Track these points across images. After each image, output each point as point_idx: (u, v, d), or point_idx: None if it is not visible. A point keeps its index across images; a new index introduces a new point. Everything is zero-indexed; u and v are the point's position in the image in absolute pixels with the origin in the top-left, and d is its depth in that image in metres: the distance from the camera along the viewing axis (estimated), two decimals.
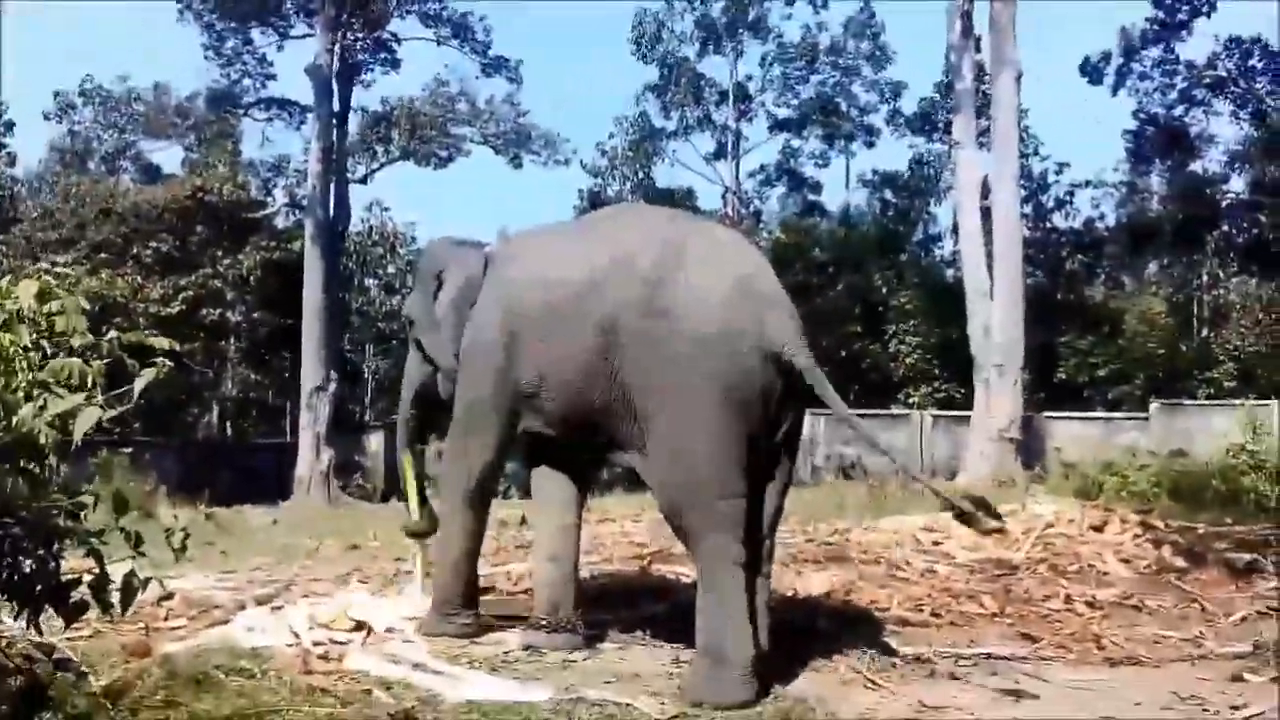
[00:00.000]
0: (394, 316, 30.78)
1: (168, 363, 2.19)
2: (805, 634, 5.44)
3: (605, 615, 6.14)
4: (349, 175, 24.26)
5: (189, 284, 23.82)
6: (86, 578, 2.21)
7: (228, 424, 27.49)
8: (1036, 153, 29.38)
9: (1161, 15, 26.40)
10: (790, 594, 6.56)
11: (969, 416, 17.91)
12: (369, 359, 32.21)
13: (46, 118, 29.35)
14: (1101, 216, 30.05)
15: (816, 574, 7.17)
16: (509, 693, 4.50)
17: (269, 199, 27.62)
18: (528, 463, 5.88)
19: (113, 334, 2.50)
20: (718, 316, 4.70)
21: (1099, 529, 8.04)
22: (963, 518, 4.97)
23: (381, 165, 25.34)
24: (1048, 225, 29.05)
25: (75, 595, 2.21)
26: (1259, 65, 26.47)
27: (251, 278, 24.55)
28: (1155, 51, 27.22)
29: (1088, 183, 29.56)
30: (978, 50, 20.11)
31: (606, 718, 4.20)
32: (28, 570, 2.09)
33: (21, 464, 2.00)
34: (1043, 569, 7.16)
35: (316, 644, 5.39)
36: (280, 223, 27.07)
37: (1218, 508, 8.90)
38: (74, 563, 2.47)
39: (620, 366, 4.92)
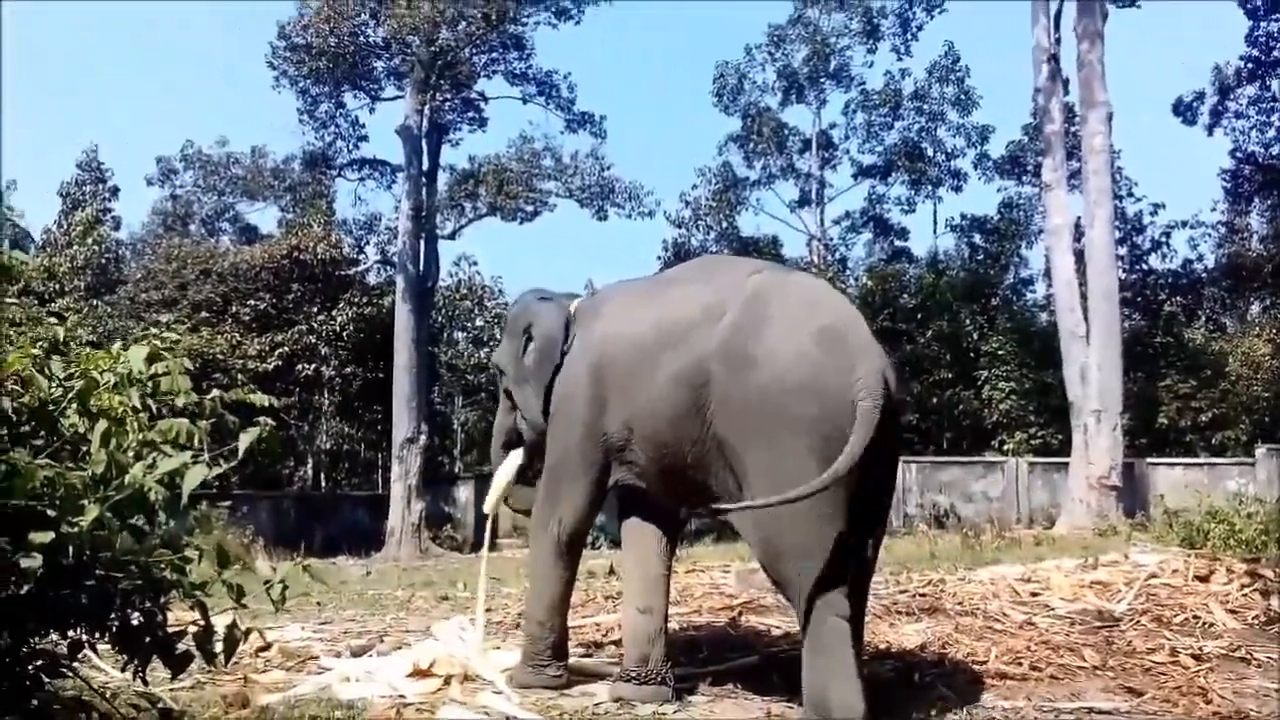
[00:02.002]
0: (482, 369, 31.23)
1: (269, 422, 2.26)
2: (900, 687, 5.32)
3: (694, 668, 6.10)
4: (438, 232, 24.77)
5: (284, 340, 24.48)
6: (191, 629, 2.27)
7: (322, 476, 28.04)
8: (1130, 194, 28.82)
9: (1256, 53, 25.88)
10: (885, 646, 6.44)
11: (1067, 463, 17.52)
12: (458, 411, 32.64)
13: (149, 182, 30.68)
14: (1200, 258, 29.36)
15: (910, 625, 7.04)
16: None
17: (361, 256, 28.30)
18: (619, 514, 5.90)
19: (215, 392, 2.58)
20: (808, 365, 4.67)
21: (1204, 579, 7.75)
22: None
23: (469, 221, 25.80)
24: (1144, 267, 28.42)
25: (180, 646, 2.28)
26: None
27: (344, 333, 25.11)
28: (1251, 89, 26.63)
29: (1184, 223, 28.91)
30: (1066, 92, 19.88)
31: None
32: (135, 622, 2.16)
33: (131, 520, 2.08)
34: (1146, 620, 6.92)
35: (409, 695, 5.44)
36: (372, 279, 27.71)
37: None
38: (178, 614, 2.54)
39: (711, 418, 4.92)
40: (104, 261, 28.90)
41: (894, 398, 4.67)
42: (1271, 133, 27.15)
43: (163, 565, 2.14)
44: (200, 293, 24.88)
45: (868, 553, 4.84)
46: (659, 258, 30.15)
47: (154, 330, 2.44)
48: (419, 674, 5.74)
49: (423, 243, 23.80)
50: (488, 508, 6.37)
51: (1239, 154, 27.76)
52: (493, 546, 6.91)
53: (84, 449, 2.19)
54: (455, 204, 25.65)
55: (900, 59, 31.32)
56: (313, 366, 24.76)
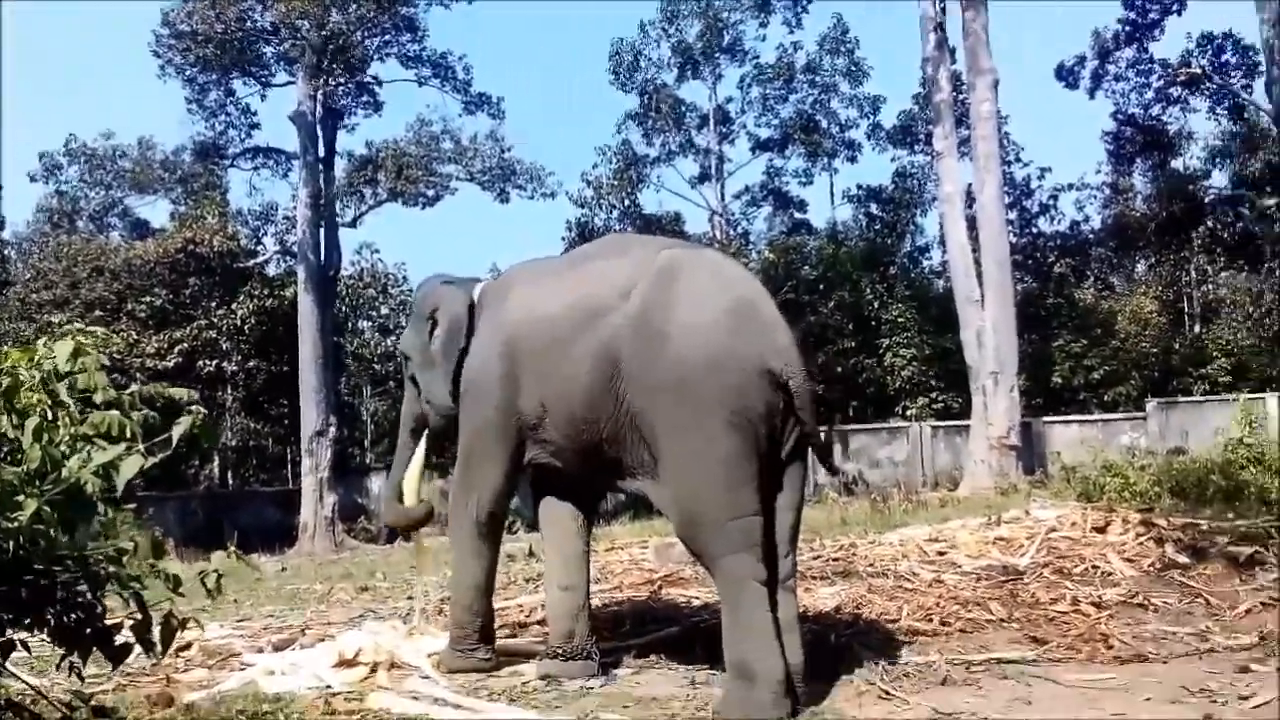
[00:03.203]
0: (389, 358, 30.91)
1: (202, 410, 2.29)
2: (818, 648, 5.50)
3: (619, 641, 6.21)
4: (338, 219, 24.39)
5: (184, 336, 23.93)
6: (128, 621, 2.30)
7: (229, 473, 27.52)
8: (1018, 159, 29.69)
9: (1133, 16, 26.69)
10: (801, 610, 6.62)
11: (968, 426, 18.04)
12: (366, 401, 32.27)
13: (33, 179, 29.53)
14: (1086, 219, 30.37)
15: (825, 589, 7.25)
16: None
17: (260, 247, 27.72)
18: (534, 494, 5.96)
19: (134, 387, 2.59)
20: (718, 339, 4.79)
21: (1102, 530, 8.10)
22: None
23: (370, 208, 25.43)
24: (1034, 231, 29.31)
25: (119, 639, 2.30)
26: (1233, 60, 26.74)
27: (246, 327, 24.64)
28: (1129, 52, 27.48)
29: (1070, 186, 29.87)
30: (953, 60, 20.37)
31: None
32: (74, 616, 2.18)
33: (68, 514, 2.10)
34: (1048, 572, 7.22)
35: (336, 685, 5.46)
36: (272, 270, 27.17)
37: (1219, 503, 8.96)
38: (110, 607, 2.55)
39: (624, 394, 5.01)
40: None
41: (798, 380, 4.83)
42: (1150, 94, 28.10)
43: (100, 558, 2.16)
44: (93, 291, 24.16)
45: (792, 518, 4.97)
46: (563, 238, 30.14)
47: (77, 325, 2.45)
48: (344, 664, 5.75)
49: (323, 231, 23.40)
50: (408, 500, 6.34)
51: (1120, 116, 28.68)
52: (408, 536, 6.90)
53: (8, 447, 2.19)
54: (354, 191, 25.26)
55: (792, 31, 31.80)
56: (214, 362, 24.26)
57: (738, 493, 4.71)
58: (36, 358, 2.31)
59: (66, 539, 2.12)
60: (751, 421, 4.74)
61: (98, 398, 2.43)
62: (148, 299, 24.26)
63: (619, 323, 5.07)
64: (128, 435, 2.21)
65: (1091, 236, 29.64)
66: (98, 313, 23.72)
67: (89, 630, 2.19)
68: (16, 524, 1.95)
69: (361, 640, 6.04)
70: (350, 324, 31.38)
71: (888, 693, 4.91)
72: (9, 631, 2.26)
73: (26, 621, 2.17)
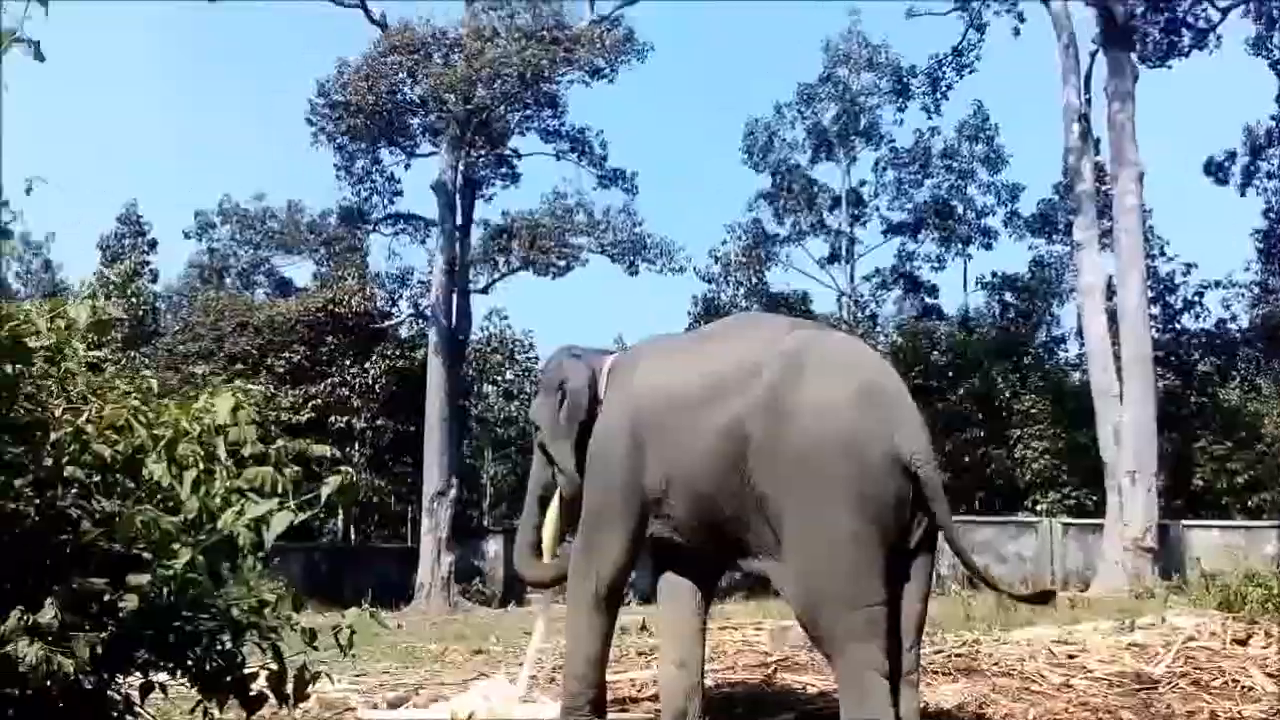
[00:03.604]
0: (512, 422, 31.37)
1: (350, 471, 2.36)
2: None
3: None
4: (470, 286, 25.03)
5: (318, 392, 24.68)
6: (264, 671, 2.36)
7: (352, 529, 28.12)
8: (1162, 253, 28.76)
9: None
10: (921, 706, 6.42)
11: (1101, 524, 17.40)
12: (487, 465, 32.71)
13: (187, 236, 31.21)
14: (1234, 318, 29.15)
15: (947, 686, 7.01)
16: None
17: (395, 310, 28.56)
18: (653, 568, 5.94)
19: (280, 443, 2.68)
20: (848, 421, 4.73)
21: (1243, 642, 7.70)
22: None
23: (502, 275, 26.07)
24: (1177, 327, 28.28)
25: (254, 688, 2.36)
26: None
27: (376, 386, 25.31)
28: None
29: (1217, 283, 28.76)
30: (1096, 151, 20.00)
31: None
32: (215, 662, 2.26)
33: (219, 564, 2.18)
34: (1184, 683, 6.87)
35: None
36: (404, 332, 27.94)
37: None
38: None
39: (750, 473, 4.98)
40: (141, 314, 29.33)
41: (925, 472, 4.74)
42: None
43: (242, 607, 2.23)
44: (236, 345, 25.18)
45: (918, 608, 4.85)
46: (689, 313, 30.32)
47: (238, 383, 2.56)
48: None
49: (455, 297, 24.04)
50: (545, 555, 6.38)
51: (1272, 214, 27.74)
52: (521, 600, 6.95)
53: (162, 496, 2.29)
54: (488, 259, 25.94)
55: (930, 117, 31.51)
56: (345, 419, 24.93)
57: (864, 579, 4.61)
58: (194, 411, 2.41)
59: (213, 587, 2.20)
60: (880, 507, 4.66)
61: (246, 450, 2.52)
62: (287, 355, 25.15)
63: (747, 401, 5.06)
64: (279, 491, 2.29)
65: (1239, 336, 28.49)
66: (239, 366, 24.69)
67: (228, 678, 2.26)
68: (171, 571, 2.03)
69: (474, 702, 6.06)
70: (476, 388, 31.96)
71: None
72: (151, 674, 2.34)
73: (170, 665, 2.25)
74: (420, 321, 26.94)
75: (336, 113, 23.91)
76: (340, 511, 26.31)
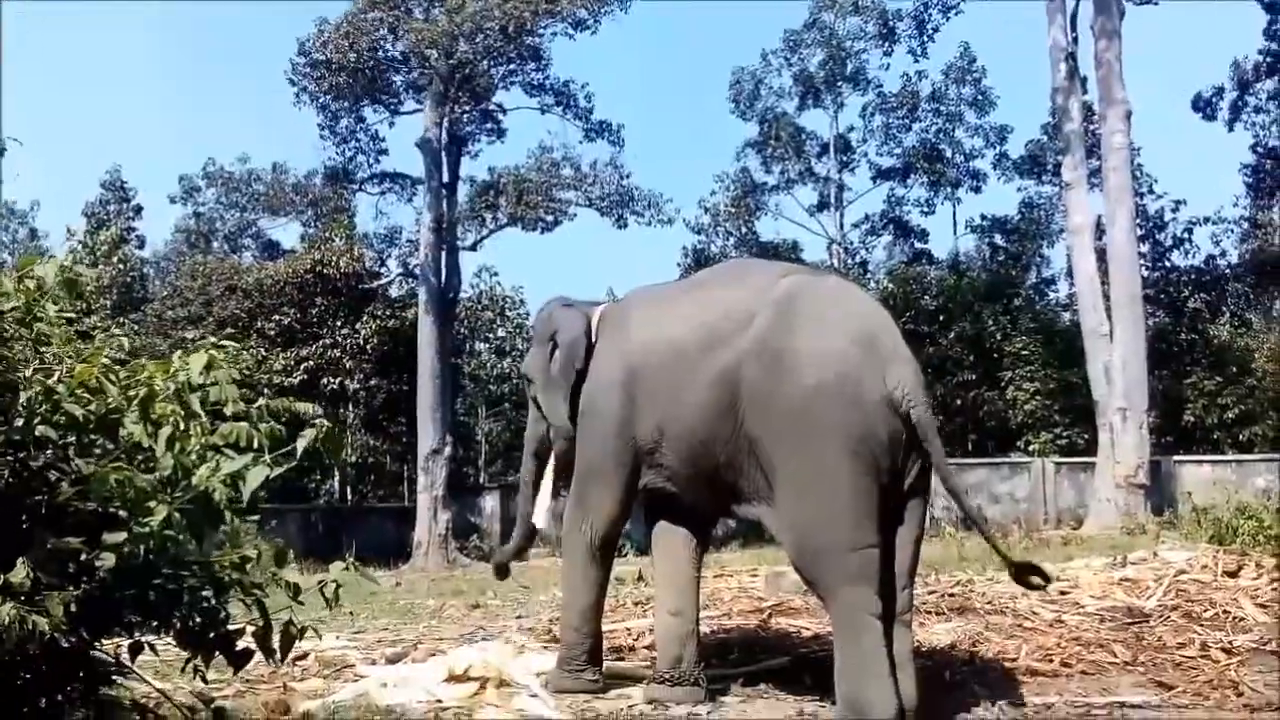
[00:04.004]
0: (505, 379, 31.37)
1: (326, 422, 2.35)
2: (932, 685, 5.36)
3: (727, 669, 6.15)
4: (459, 243, 24.90)
5: (309, 354, 24.63)
6: (250, 627, 2.36)
7: (348, 489, 28.20)
8: (1151, 190, 28.64)
9: (1274, 46, 25.76)
10: (915, 645, 6.48)
11: (1093, 463, 17.47)
12: (481, 422, 32.75)
13: (172, 201, 31.04)
14: (1223, 253, 29.03)
15: (941, 625, 7.07)
16: None
17: (383, 269, 28.43)
18: (648, 518, 5.96)
19: (262, 401, 2.66)
20: (839, 367, 4.73)
21: (1234, 574, 7.75)
22: (1017, 575, 4.96)
23: (490, 232, 25.92)
24: (1166, 264, 28.22)
25: (240, 644, 2.36)
26: None
27: (368, 346, 25.26)
28: (1270, 84, 26.49)
29: (1206, 219, 28.64)
30: (1084, 90, 19.84)
31: None
32: (199, 620, 2.25)
33: (196, 521, 2.17)
34: (1176, 616, 6.93)
35: (446, 700, 5.52)
36: (394, 292, 27.83)
37: None
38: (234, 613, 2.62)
39: (743, 420, 4.98)
40: (129, 280, 29.18)
41: (915, 412, 4.74)
42: None
43: (224, 564, 2.22)
44: (225, 309, 25.07)
45: (911, 551, 4.87)
46: (679, 265, 30.22)
47: (210, 340, 2.53)
48: (455, 679, 5.81)
49: (444, 255, 23.92)
50: (540, 521, 6.40)
51: (1260, 149, 27.63)
52: (521, 554, 6.98)
53: (141, 455, 2.27)
54: (476, 215, 25.78)
55: (916, 61, 31.26)
56: (337, 380, 24.89)
57: (857, 523, 4.63)
58: (172, 370, 2.39)
59: (193, 545, 2.19)
60: (874, 451, 4.67)
61: (228, 410, 2.50)
62: (276, 317, 25.06)
63: (740, 348, 5.05)
64: (255, 446, 2.28)
65: (1228, 271, 28.46)
66: (229, 330, 24.58)
67: (212, 634, 2.26)
68: (148, 529, 2.02)
69: (472, 656, 6.10)
70: (468, 346, 31.94)
71: None
72: (137, 633, 2.33)
73: (154, 624, 2.24)
74: (410, 280, 26.83)
75: (318, 71, 23.64)
76: (336, 473, 26.45)
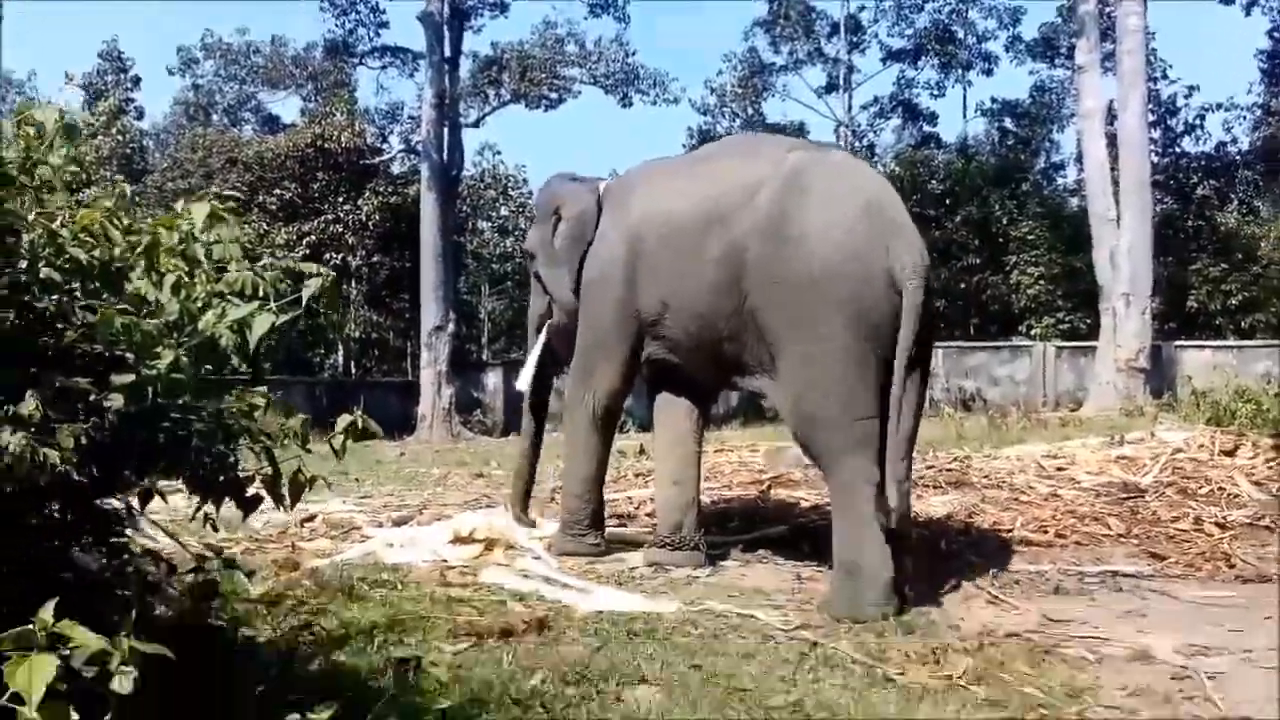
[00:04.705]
0: (507, 258, 31.25)
1: (329, 272, 2.35)
2: (928, 553, 5.48)
3: (727, 536, 6.28)
4: (461, 120, 24.51)
5: (311, 229, 24.53)
6: (259, 474, 2.39)
7: (352, 364, 28.37)
8: (1164, 76, 28.08)
9: None
10: (913, 516, 6.60)
11: (1094, 347, 17.52)
12: (484, 300, 32.76)
13: (171, 72, 30.50)
14: (1234, 140, 28.66)
15: (938, 498, 7.19)
16: (636, 604, 4.67)
17: (385, 145, 28.11)
18: (650, 391, 6.01)
19: (267, 258, 2.66)
20: (845, 241, 4.72)
21: (1230, 453, 7.84)
22: None
23: (493, 109, 25.51)
24: (1177, 150, 27.85)
25: (250, 491, 2.40)
26: None
27: (370, 222, 25.12)
28: None
29: (1219, 106, 28.14)
30: None
31: (731, 628, 4.32)
32: (208, 464, 2.28)
33: (204, 366, 2.19)
34: (1171, 492, 7.04)
35: (451, 559, 5.65)
36: (396, 168, 27.57)
37: None
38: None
39: (747, 292, 4.99)
40: (129, 152, 28.87)
41: (929, 278, 4.73)
42: None
43: (233, 411, 2.25)
44: (226, 182, 24.82)
45: (910, 423, 4.89)
46: (684, 145, 29.84)
47: (216, 190, 2.52)
48: (460, 541, 5.94)
49: (446, 131, 23.56)
50: (521, 385, 6.52)
51: (1277, 34, 27.00)
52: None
53: (147, 308, 2.27)
54: (478, 91, 25.34)
55: None
56: (340, 256, 24.81)
57: (857, 395, 4.68)
58: (175, 223, 2.38)
59: (201, 390, 2.21)
60: (875, 325, 4.68)
61: (231, 268, 2.49)
62: (278, 192, 24.89)
63: (745, 222, 5.03)
64: (260, 294, 2.28)
65: (1239, 159, 28.08)
66: (230, 204, 24.40)
67: (222, 478, 2.29)
68: (155, 371, 2.03)
69: (476, 520, 6.23)
70: (471, 224, 31.74)
71: (996, 598, 4.88)
72: (146, 480, 2.37)
73: (163, 468, 2.28)
74: (412, 157, 26.52)
75: None
76: (340, 346, 26.57)
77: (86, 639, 1.51)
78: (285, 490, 2.35)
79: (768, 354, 5.01)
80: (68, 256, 2.06)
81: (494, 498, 8.19)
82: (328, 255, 24.39)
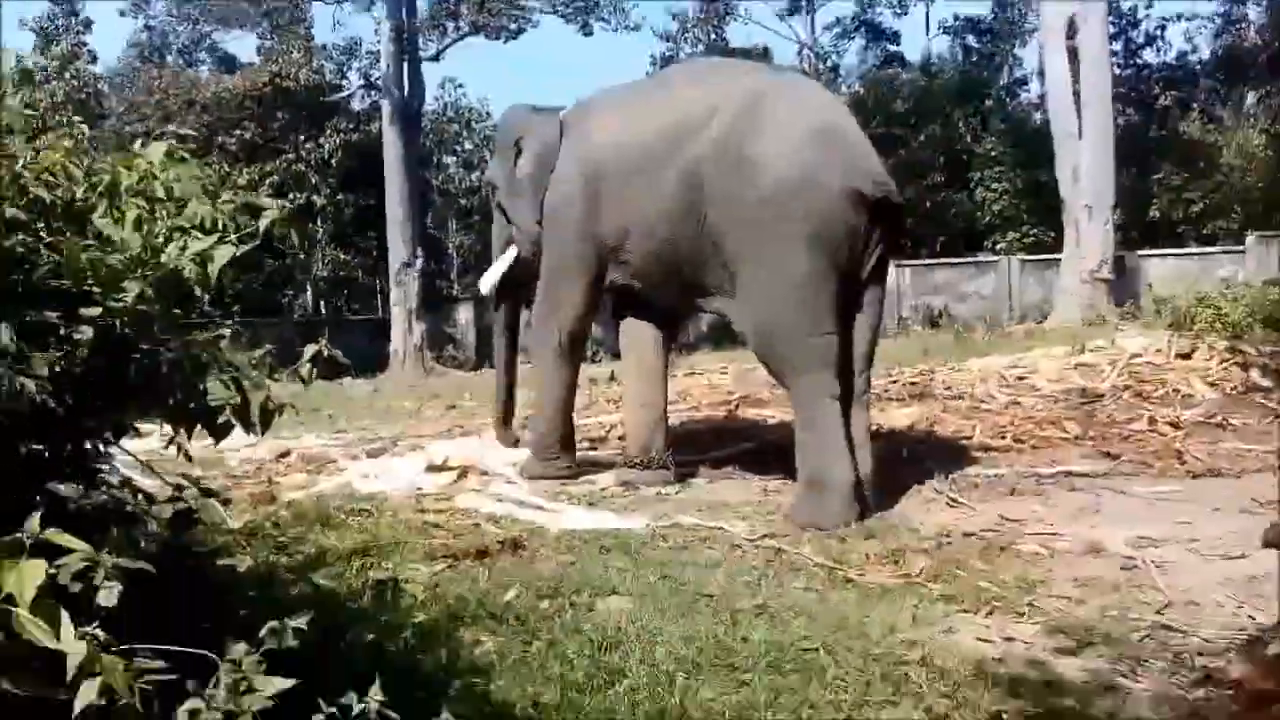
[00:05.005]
0: (474, 192, 30.95)
1: (285, 204, 2.41)
2: (889, 461, 5.64)
3: (695, 455, 6.43)
4: (421, 54, 24.16)
5: (273, 169, 24.24)
6: (229, 402, 2.46)
7: (321, 303, 28.23)
8: None
9: None
10: (874, 427, 6.75)
11: (1059, 260, 17.68)
12: (452, 234, 32.54)
13: (122, 14, 29.77)
14: (1195, 50, 28.66)
15: (900, 409, 7.36)
16: (608, 522, 4.81)
17: (345, 82, 27.66)
18: (615, 315, 6.11)
19: (227, 196, 2.71)
20: (800, 162, 4.81)
21: (1187, 356, 8.04)
22: None
23: (452, 41, 25.12)
24: (1138, 62, 27.82)
25: (221, 419, 2.47)
26: None
27: (333, 160, 24.85)
28: None
29: (1179, 16, 28.15)
30: None
31: (699, 540, 4.48)
32: (178, 394, 2.36)
33: (169, 298, 2.25)
34: (1128, 396, 7.24)
35: (426, 487, 5.77)
36: (357, 105, 27.18)
37: None
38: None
39: (706, 215, 5.08)
40: (83, 96, 28.30)
41: (892, 197, 4.85)
42: None
43: (200, 342, 2.32)
44: (185, 124, 24.43)
45: (868, 337, 5.05)
46: (647, 73, 29.46)
47: (174, 129, 2.57)
48: (434, 469, 6.06)
49: (406, 65, 23.23)
50: (484, 287, 6.60)
51: None
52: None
53: (112, 246, 2.33)
54: (437, 24, 24.93)
55: None
56: (304, 195, 24.55)
57: (816, 311, 4.80)
58: (134, 162, 2.43)
59: (169, 321, 2.28)
60: (832, 242, 4.79)
61: (192, 204, 2.54)
62: (237, 132, 24.54)
63: (703, 146, 5.11)
64: (219, 227, 2.34)
65: (1200, 68, 28.10)
66: (189, 145, 24.02)
67: (192, 405, 2.37)
68: (122, 304, 2.10)
69: (450, 449, 6.34)
70: (436, 159, 31.40)
71: (956, 501, 5.06)
72: (117, 413, 2.44)
73: (134, 399, 2.35)
74: (372, 93, 26.15)
75: None
76: (309, 287, 26.42)
77: (73, 544, 1.61)
78: (255, 418, 2.43)
79: (728, 275, 5.12)
80: (31, 196, 2.11)
81: (467, 427, 8.30)
82: (292, 195, 24.10)
